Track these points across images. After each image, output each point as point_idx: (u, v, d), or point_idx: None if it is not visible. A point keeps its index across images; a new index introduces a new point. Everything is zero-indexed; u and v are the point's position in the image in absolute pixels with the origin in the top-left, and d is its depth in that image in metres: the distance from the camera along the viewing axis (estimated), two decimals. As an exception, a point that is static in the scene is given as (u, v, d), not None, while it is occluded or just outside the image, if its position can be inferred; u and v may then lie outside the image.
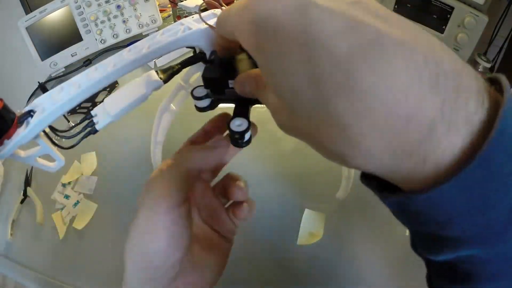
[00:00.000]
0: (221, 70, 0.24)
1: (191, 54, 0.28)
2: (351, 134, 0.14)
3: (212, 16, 0.28)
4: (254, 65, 0.24)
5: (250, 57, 0.24)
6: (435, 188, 0.14)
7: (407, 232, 0.20)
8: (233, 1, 0.47)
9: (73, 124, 0.27)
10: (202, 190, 0.28)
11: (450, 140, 0.13)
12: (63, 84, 0.26)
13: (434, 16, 0.63)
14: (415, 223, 0.17)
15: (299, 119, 0.16)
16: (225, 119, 0.27)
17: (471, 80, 0.14)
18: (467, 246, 0.15)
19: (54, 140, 0.27)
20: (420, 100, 0.13)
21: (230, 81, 0.24)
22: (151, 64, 0.74)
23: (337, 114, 0.14)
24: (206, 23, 0.25)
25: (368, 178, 0.18)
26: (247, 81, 0.22)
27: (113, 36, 0.80)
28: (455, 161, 0.13)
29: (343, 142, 0.15)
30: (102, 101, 0.26)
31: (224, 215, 0.28)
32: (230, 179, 0.28)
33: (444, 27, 0.63)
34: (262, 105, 0.27)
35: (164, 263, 0.22)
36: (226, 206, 0.29)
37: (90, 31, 0.79)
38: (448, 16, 0.62)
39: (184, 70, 0.28)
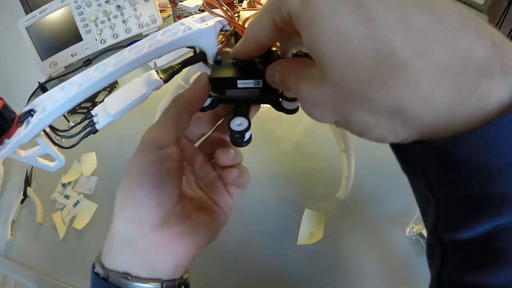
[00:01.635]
0: (230, 70, 0.24)
1: (191, 54, 0.28)
2: (411, 72, 0.14)
3: (211, 16, 0.28)
4: (261, 64, 0.24)
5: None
6: (497, 120, 0.14)
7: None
8: (232, 1, 0.47)
9: (73, 124, 0.27)
10: (202, 162, 0.29)
11: (507, 78, 0.14)
12: (63, 84, 0.26)
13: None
14: (456, 181, 0.16)
15: (346, 75, 0.15)
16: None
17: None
18: None
19: (54, 139, 0.27)
20: (473, 39, 0.14)
21: (239, 82, 0.24)
22: (151, 64, 0.74)
23: (396, 54, 0.14)
24: (219, 15, 0.25)
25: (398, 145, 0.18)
26: (278, 68, 0.22)
27: (113, 36, 0.80)
28: None
29: (401, 84, 0.14)
30: (102, 101, 0.26)
31: (222, 188, 0.29)
32: (220, 145, 0.29)
33: (444, 27, 0.63)
34: (262, 105, 0.27)
35: (147, 204, 0.23)
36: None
37: (90, 31, 0.79)
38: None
39: (184, 70, 0.28)
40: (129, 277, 0.23)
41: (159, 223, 0.23)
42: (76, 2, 0.76)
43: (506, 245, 0.15)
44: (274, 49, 0.26)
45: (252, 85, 0.24)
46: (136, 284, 0.23)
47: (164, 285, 0.24)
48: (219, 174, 0.29)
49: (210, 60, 0.27)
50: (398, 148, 0.19)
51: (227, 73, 0.24)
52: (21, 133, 0.24)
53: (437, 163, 0.16)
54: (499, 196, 0.15)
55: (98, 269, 0.24)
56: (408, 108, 0.14)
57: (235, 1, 0.47)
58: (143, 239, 0.23)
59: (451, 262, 0.18)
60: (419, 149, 0.17)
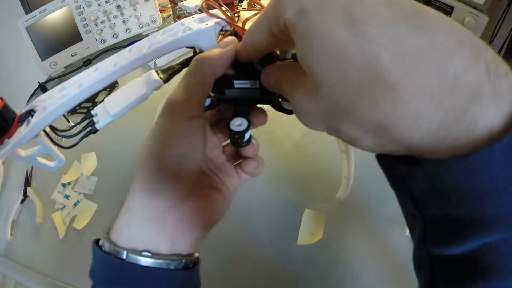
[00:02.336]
0: (228, 70, 0.24)
1: (191, 54, 0.28)
2: (399, 93, 0.14)
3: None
4: (259, 65, 0.24)
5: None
6: (488, 147, 0.13)
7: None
8: (232, 2, 0.47)
9: (73, 124, 0.27)
10: (214, 145, 0.29)
11: (497, 104, 0.14)
12: (63, 84, 0.26)
13: (434, 16, 0.63)
14: (445, 204, 0.16)
15: (336, 89, 0.15)
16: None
17: (503, 62, 0.14)
18: (501, 228, 0.15)
19: (54, 139, 0.27)
20: (466, 63, 0.14)
21: (235, 82, 0.24)
22: (151, 64, 0.74)
23: (386, 74, 0.14)
24: (218, 17, 0.25)
25: (386, 158, 0.17)
26: (273, 72, 0.22)
27: (113, 36, 0.80)
28: (504, 125, 0.14)
29: (389, 104, 0.14)
30: (102, 101, 0.26)
31: (231, 170, 0.29)
32: None
33: (444, 27, 0.63)
34: (261, 106, 0.27)
35: (178, 173, 0.22)
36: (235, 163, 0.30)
37: (90, 31, 0.79)
38: (448, 16, 0.62)
39: (184, 70, 0.28)
40: (151, 254, 0.22)
41: (186, 196, 0.23)
42: (76, 2, 0.76)
43: (492, 261, 0.16)
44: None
45: (249, 86, 0.24)
46: (158, 261, 0.22)
47: (184, 260, 0.23)
48: (240, 165, 0.29)
49: None
50: (385, 165, 0.19)
51: (226, 72, 0.24)
52: (21, 133, 0.24)
53: (424, 187, 0.16)
54: (488, 217, 0.15)
55: (109, 248, 0.22)
56: (395, 127, 0.14)
57: (235, 1, 0.47)
58: (171, 212, 0.22)
59: (439, 274, 0.18)
60: (405, 171, 0.17)
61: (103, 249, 0.23)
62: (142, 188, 0.23)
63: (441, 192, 0.15)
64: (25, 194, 0.59)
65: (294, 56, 0.25)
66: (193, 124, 0.22)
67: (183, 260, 0.23)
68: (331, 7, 0.15)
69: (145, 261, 0.22)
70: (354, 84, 0.14)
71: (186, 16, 0.29)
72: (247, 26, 0.29)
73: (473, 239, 0.15)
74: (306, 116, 0.18)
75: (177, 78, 0.31)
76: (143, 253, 0.22)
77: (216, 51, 0.23)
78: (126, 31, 0.81)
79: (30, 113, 0.25)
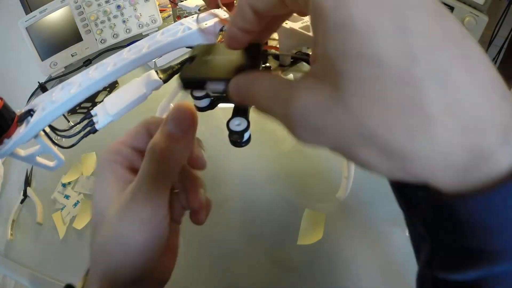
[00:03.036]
0: (201, 69, 0.22)
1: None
2: (436, 126, 0.13)
3: (211, 17, 0.28)
4: (244, 62, 0.22)
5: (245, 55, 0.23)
6: (505, 185, 0.13)
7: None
8: (232, 2, 0.47)
9: (73, 124, 0.27)
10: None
11: None
12: (63, 84, 0.26)
13: (434, 16, 0.63)
14: (455, 233, 0.15)
15: (368, 106, 0.13)
16: None
17: None
18: (510, 260, 0.14)
19: (54, 139, 0.27)
20: (497, 103, 0.13)
21: (209, 82, 0.21)
22: (151, 64, 0.74)
23: (426, 102, 0.13)
24: (221, 17, 0.25)
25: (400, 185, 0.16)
26: (251, 81, 0.18)
27: (113, 36, 0.80)
28: None
29: (424, 136, 0.13)
30: (102, 101, 0.27)
31: (175, 202, 0.25)
32: (191, 180, 0.24)
33: (444, 27, 0.63)
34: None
35: (146, 259, 0.21)
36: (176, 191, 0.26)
37: (90, 31, 0.79)
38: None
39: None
40: None
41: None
42: (76, 2, 0.76)
43: None
44: (272, 49, 0.25)
45: (224, 88, 0.21)
46: None
47: None
48: (190, 217, 0.25)
49: None
50: (398, 187, 0.18)
51: (198, 72, 0.22)
52: (21, 133, 0.24)
53: (438, 214, 0.16)
54: (497, 250, 0.15)
55: None
56: (424, 162, 0.13)
57: (235, 1, 0.47)
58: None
59: None
60: (421, 197, 0.16)
61: None
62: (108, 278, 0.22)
63: (454, 222, 0.15)
64: (25, 194, 0.59)
65: (294, 55, 0.25)
66: (150, 207, 0.21)
67: None
68: (380, 2, 0.13)
69: None
70: (389, 106, 0.13)
71: (186, 16, 0.29)
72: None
73: (481, 269, 0.15)
74: (312, 130, 0.15)
75: (176, 78, 0.31)
76: None
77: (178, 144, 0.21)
78: (126, 31, 0.81)
79: (30, 113, 0.25)
